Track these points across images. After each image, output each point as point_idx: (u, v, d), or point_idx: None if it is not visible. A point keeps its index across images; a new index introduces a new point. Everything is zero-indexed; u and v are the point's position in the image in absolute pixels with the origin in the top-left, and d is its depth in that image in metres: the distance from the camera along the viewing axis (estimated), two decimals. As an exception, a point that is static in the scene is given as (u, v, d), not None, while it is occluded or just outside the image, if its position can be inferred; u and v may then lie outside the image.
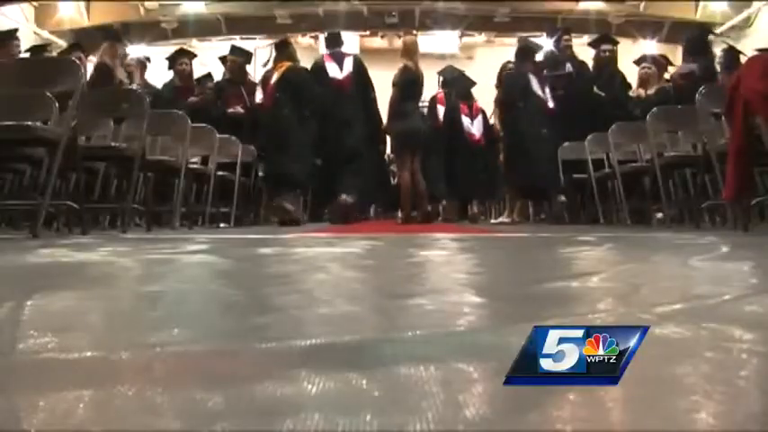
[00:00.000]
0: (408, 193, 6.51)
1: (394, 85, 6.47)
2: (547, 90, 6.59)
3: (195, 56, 7.18)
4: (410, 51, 6.56)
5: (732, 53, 6.17)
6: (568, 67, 6.67)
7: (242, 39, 13.33)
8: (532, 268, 1.89)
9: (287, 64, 6.42)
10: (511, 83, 6.87)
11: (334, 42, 7.09)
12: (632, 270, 1.66)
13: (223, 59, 7.27)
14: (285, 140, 6.22)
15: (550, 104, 6.58)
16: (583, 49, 7.62)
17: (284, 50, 6.58)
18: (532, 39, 8.12)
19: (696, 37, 6.43)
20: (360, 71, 6.86)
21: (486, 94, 8.15)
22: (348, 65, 6.81)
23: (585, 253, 2.30)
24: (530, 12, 13.31)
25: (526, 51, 6.87)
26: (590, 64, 7.00)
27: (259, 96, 6.46)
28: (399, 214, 7.03)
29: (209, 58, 8.91)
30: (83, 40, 11.76)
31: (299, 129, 6.28)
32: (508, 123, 6.90)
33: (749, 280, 1.40)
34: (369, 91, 6.84)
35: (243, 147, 6.24)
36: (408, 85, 6.41)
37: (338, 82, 6.74)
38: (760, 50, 5.26)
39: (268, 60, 6.64)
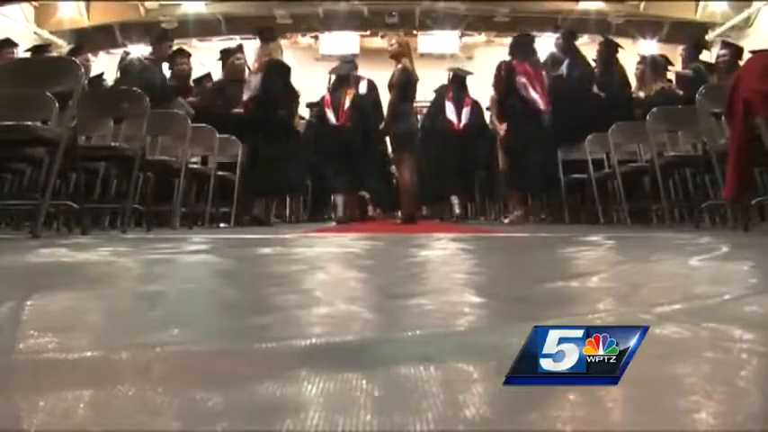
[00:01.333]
0: (409, 192, 6.51)
1: (392, 86, 6.48)
2: (464, 112, 7.55)
3: (190, 55, 7.21)
4: (406, 52, 6.57)
5: (735, 49, 6.15)
6: (563, 68, 6.70)
7: (242, 39, 13.33)
8: (532, 268, 1.88)
9: (352, 91, 7.26)
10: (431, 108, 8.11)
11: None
12: (632, 270, 1.66)
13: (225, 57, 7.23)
14: (357, 158, 7.12)
15: (462, 124, 7.54)
16: (583, 48, 7.62)
17: (348, 80, 7.36)
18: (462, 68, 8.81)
19: (518, 40, 6.65)
20: (373, 92, 7.60)
21: (485, 94, 8.17)
22: (363, 87, 7.54)
23: (585, 253, 2.30)
24: (530, 12, 13.31)
25: (453, 79, 7.88)
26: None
27: (332, 117, 7.14)
28: (399, 214, 7.04)
29: (209, 58, 8.91)
30: (83, 40, 11.78)
31: (367, 149, 7.26)
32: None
33: (749, 280, 1.40)
34: (380, 111, 7.39)
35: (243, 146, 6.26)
36: (407, 86, 6.41)
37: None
38: (753, 52, 5.26)
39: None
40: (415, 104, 6.92)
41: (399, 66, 6.44)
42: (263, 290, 1.28)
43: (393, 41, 6.90)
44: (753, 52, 5.17)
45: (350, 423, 0.46)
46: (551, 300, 1.09)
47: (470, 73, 8.17)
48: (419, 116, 8.03)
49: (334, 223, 7.11)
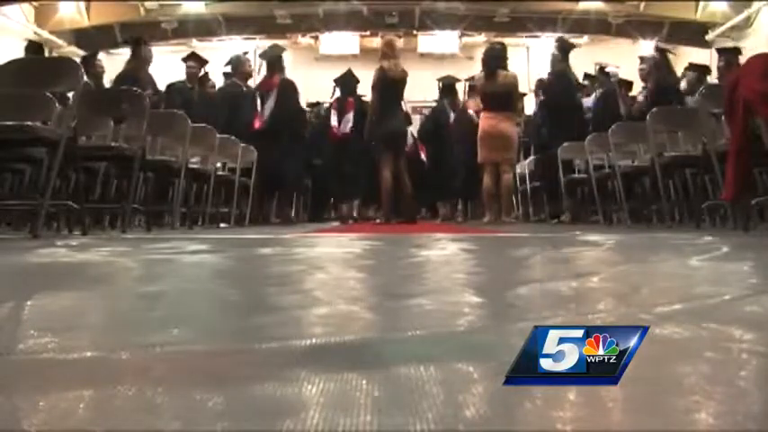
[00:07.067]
0: (389, 193, 6.44)
1: (372, 88, 6.47)
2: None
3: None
4: (386, 53, 6.56)
5: (728, 53, 6.16)
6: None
7: (242, 39, 13.33)
8: (532, 268, 1.88)
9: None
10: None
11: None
12: (632, 270, 1.66)
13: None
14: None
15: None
16: (582, 49, 7.65)
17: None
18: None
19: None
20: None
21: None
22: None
23: (585, 253, 2.30)
24: (530, 12, 13.29)
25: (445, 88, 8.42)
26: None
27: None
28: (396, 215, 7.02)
29: (209, 58, 8.89)
30: (83, 40, 11.77)
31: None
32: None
33: (749, 280, 1.40)
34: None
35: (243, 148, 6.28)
36: (386, 86, 6.38)
37: None
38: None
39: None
40: (409, 104, 6.94)
41: (377, 67, 6.46)
42: (263, 290, 1.28)
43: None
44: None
45: (350, 423, 0.46)
46: (551, 300, 1.09)
47: (458, 80, 8.60)
48: (419, 116, 8.06)
49: (335, 223, 7.12)
